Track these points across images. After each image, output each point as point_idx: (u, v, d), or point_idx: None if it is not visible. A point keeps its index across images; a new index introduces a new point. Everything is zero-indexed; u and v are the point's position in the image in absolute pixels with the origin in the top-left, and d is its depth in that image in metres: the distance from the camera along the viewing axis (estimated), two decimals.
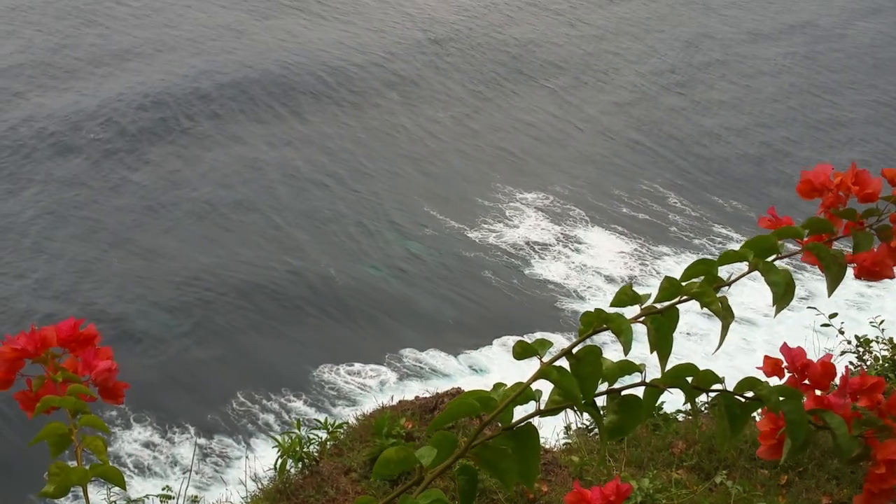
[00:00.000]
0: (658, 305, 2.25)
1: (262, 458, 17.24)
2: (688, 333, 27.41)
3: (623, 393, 2.25)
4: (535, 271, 32.29)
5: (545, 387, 2.25)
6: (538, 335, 28.86)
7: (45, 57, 43.95)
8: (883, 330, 12.26)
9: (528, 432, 2.20)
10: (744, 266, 2.28)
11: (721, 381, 2.29)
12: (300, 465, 10.30)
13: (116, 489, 10.65)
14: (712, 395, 2.27)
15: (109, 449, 21.68)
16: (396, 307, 29.93)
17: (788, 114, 44.76)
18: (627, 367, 2.23)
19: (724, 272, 2.32)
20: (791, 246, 2.34)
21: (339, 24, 50.57)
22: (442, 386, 22.77)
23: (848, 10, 56.30)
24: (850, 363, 12.30)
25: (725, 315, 2.24)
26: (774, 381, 2.28)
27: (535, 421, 2.21)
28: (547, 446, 10.92)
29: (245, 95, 41.82)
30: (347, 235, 33.24)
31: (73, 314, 2.26)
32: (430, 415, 11.07)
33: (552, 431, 11.52)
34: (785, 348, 2.30)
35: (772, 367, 2.30)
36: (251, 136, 39.13)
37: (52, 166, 35.84)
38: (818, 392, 2.23)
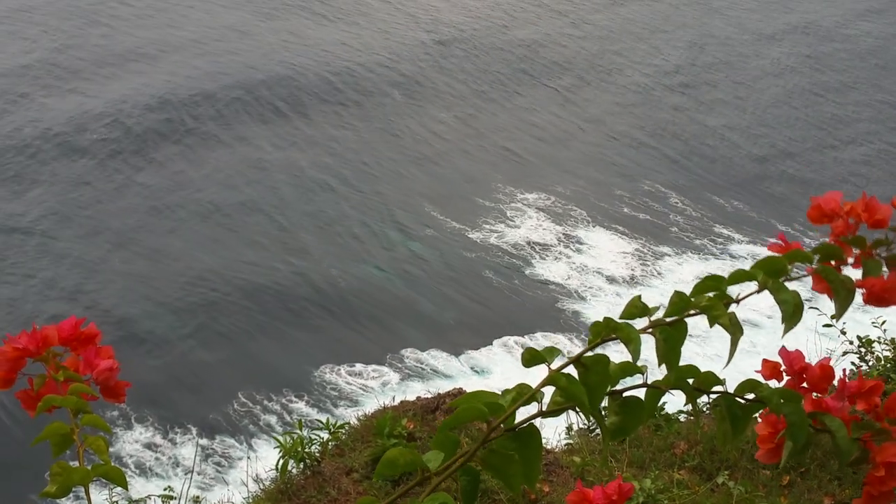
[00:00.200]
0: (668, 319, 2.27)
1: (264, 459, 17.25)
2: (689, 335, 27.34)
3: (625, 394, 2.27)
4: (537, 272, 32.29)
5: (547, 387, 2.26)
6: (539, 335, 28.88)
7: (50, 58, 44.01)
8: (885, 330, 12.24)
9: (530, 433, 2.21)
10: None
11: (722, 382, 2.31)
12: (302, 465, 10.31)
13: (118, 489, 10.65)
14: (713, 396, 2.29)
15: (111, 449, 21.69)
16: (398, 307, 29.93)
17: (791, 114, 44.74)
18: (629, 369, 2.25)
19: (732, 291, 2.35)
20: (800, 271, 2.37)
21: (342, 25, 50.60)
22: (443, 386, 22.78)
23: (852, 10, 56.27)
24: (853, 363, 12.29)
25: (734, 331, 2.26)
26: (773, 384, 2.29)
27: (537, 421, 2.22)
28: (548, 447, 10.92)
29: (250, 96, 41.86)
30: (350, 236, 33.26)
31: (77, 314, 2.26)
32: (431, 415, 11.07)
33: (553, 432, 11.52)
34: (783, 351, 2.32)
35: (770, 370, 2.32)
36: (256, 136, 39.17)
37: (57, 167, 35.89)
38: (816, 395, 2.24)
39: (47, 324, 2.30)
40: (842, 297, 2.23)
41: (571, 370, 2.23)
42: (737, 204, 37.24)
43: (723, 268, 33.12)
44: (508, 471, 2.20)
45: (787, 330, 2.24)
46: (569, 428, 11.59)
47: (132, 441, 24.10)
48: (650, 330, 2.26)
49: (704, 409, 9.42)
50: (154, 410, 24.92)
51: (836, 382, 2.28)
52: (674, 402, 2.68)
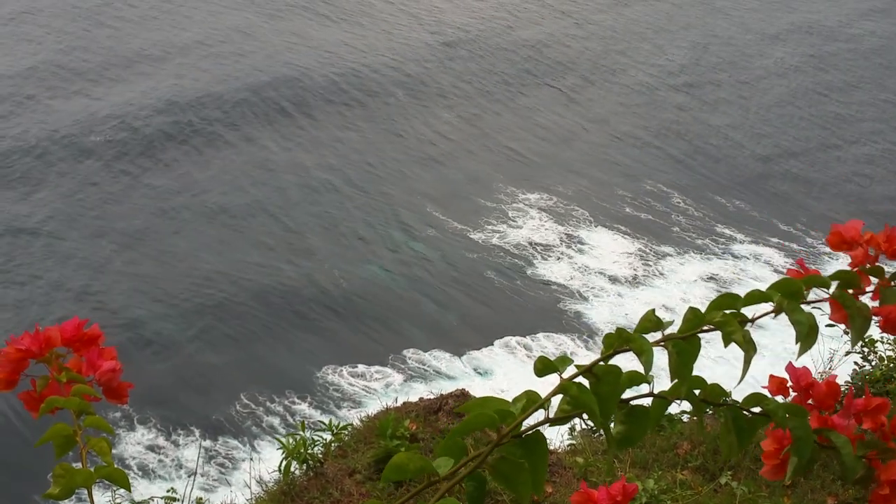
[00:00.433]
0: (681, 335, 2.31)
1: (268, 461, 17.25)
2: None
3: (631, 403, 2.28)
4: (539, 272, 32.27)
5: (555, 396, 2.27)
6: (541, 336, 28.88)
7: (56, 59, 44.07)
8: None
9: (536, 440, 2.23)
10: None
11: (728, 394, 2.32)
12: (305, 466, 10.30)
13: (121, 491, 10.66)
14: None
15: (114, 451, 21.70)
16: (400, 308, 29.93)
17: (795, 113, 44.70)
18: (636, 379, 2.27)
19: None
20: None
21: (346, 26, 50.63)
22: (446, 387, 22.78)
23: (855, 10, 56.22)
24: (856, 363, 12.28)
25: (748, 348, 2.27)
26: (779, 400, 2.31)
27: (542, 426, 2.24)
28: (551, 447, 10.92)
29: (256, 97, 41.90)
30: (353, 236, 33.27)
31: (82, 315, 2.27)
32: (434, 416, 11.07)
33: (556, 433, 11.52)
34: (790, 367, 2.33)
35: (777, 386, 2.33)
36: (261, 137, 39.21)
37: (63, 168, 35.94)
38: (822, 412, 2.26)
39: (52, 324, 2.30)
40: (858, 324, 2.27)
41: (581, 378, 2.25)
42: (739, 204, 37.20)
43: (725, 268, 33.09)
44: (518, 479, 2.21)
45: (801, 352, 2.26)
46: (571, 429, 11.59)
47: (135, 442, 24.10)
48: (663, 343, 2.28)
49: (708, 409, 9.40)
50: (157, 412, 24.92)
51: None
52: (676, 402, 2.68)
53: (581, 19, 53.62)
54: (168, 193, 34.96)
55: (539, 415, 2.25)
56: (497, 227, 34.46)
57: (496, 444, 2.19)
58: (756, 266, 33.11)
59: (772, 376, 2.35)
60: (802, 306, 2.28)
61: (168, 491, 10.83)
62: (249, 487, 11.67)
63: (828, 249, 31.99)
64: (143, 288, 29.77)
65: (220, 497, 17.28)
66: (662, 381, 2.25)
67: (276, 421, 25.09)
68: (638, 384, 2.27)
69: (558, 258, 33.10)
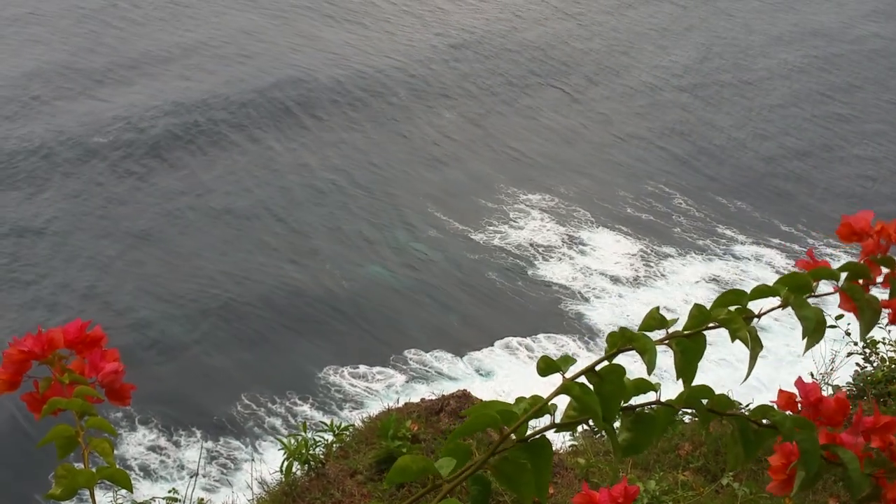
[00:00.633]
0: (686, 332, 2.27)
1: (269, 461, 17.25)
2: None
3: (637, 410, 2.27)
4: (540, 273, 32.28)
5: (560, 400, 2.26)
6: (542, 337, 28.88)
7: (62, 60, 44.10)
8: (889, 332, 12.23)
9: (542, 445, 2.23)
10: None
11: (736, 405, 2.30)
12: (306, 467, 10.31)
13: (123, 492, 10.66)
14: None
15: (115, 451, 21.64)
16: (402, 309, 29.94)
17: (798, 114, 44.69)
18: (643, 386, 2.25)
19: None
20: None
21: (350, 27, 50.65)
22: (448, 388, 22.78)
23: (859, 12, 56.20)
24: (857, 365, 12.28)
25: (754, 345, 2.25)
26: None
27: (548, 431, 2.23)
28: (553, 448, 10.91)
29: (262, 98, 41.93)
30: (355, 237, 33.29)
31: (85, 316, 2.27)
32: (435, 417, 11.07)
33: (558, 434, 11.50)
34: (799, 382, 2.31)
35: (786, 400, 2.31)
36: (266, 138, 39.24)
37: (69, 169, 35.97)
38: (831, 429, 2.24)
39: (56, 326, 2.30)
40: (867, 316, 2.24)
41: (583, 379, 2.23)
42: (741, 204, 37.20)
43: (726, 269, 33.09)
44: (520, 480, 2.21)
45: (808, 346, 2.24)
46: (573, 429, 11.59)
47: (137, 443, 24.12)
48: (667, 342, 2.26)
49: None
50: (158, 412, 24.94)
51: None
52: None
53: (585, 20, 53.63)
54: (173, 194, 35.00)
55: (545, 420, 2.24)
56: (499, 228, 34.47)
57: (498, 444, 2.19)
58: (758, 267, 33.11)
59: (781, 391, 2.33)
60: (811, 300, 2.26)
61: (170, 491, 10.83)
62: (251, 488, 11.68)
63: (830, 250, 32.04)
64: (147, 288, 29.80)
65: (222, 498, 17.29)
66: (669, 387, 2.24)
67: (277, 421, 25.09)
68: (645, 392, 2.25)
69: (560, 259, 33.10)
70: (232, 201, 34.75)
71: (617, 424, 2.27)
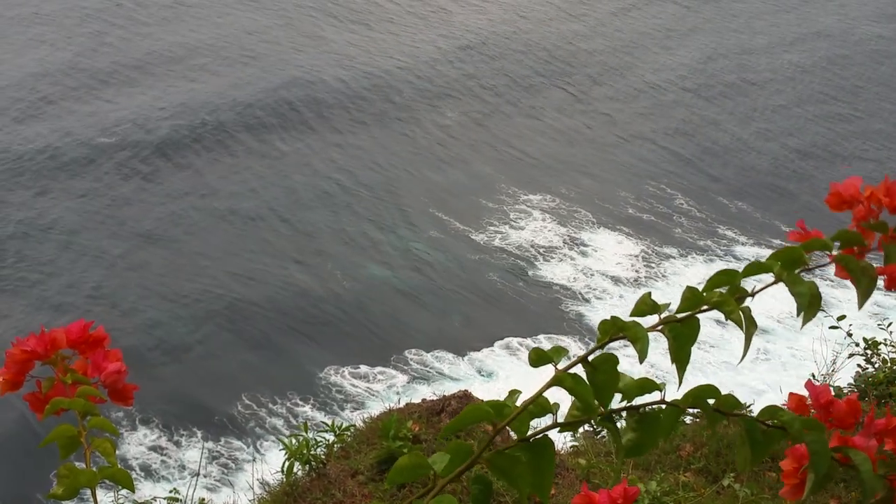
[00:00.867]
0: (679, 315, 2.21)
1: (270, 462, 17.26)
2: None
3: (641, 410, 2.22)
4: (541, 274, 32.27)
5: (564, 400, 2.23)
6: (543, 338, 28.86)
7: (68, 61, 44.13)
8: (891, 332, 12.22)
9: (544, 445, 2.19)
10: (768, 278, 2.24)
11: (743, 406, 2.24)
12: (307, 467, 10.31)
13: (125, 491, 10.67)
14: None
15: (117, 451, 21.64)
16: (403, 309, 29.94)
17: (801, 115, 44.67)
18: (647, 386, 2.20)
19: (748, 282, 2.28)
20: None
21: (354, 27, 50.67)
22: (449, 388, 22.78)
23: (863, 15, 56.14)
24: (859, 366, 12.27)
25: (748, 325, 2.19)
26: None
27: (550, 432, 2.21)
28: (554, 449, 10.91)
29: (267, 99, 41.95)
30: (357, 237, 33.30)
31: (86, 316, 2.28)
32: (436, 417, 11.07)
33: (559, 434, 11.49)
34: (809, 385, 2.26)
35: (797, 403, 2.27)
36: (271, 139, 39.26)
37: (75, 169, 35.99)
38: (843, 432, 2.20)
39: (59, 326, 2.31)
40: (864, 285, 2.16)
41: (580, 370, 2.21)
42: (742, 205, 37.18)
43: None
44: (514, 472, 2.17)
45: (805, 321, 2.17)
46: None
47: (138, 443, 24.13)
48: (660, 328, 2.20)
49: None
50: (160, 412, 24.95)
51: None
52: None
53: (589, 21, 53.63)
54: (178, 194, 35.03)
55: (547, 419, 2.22)
56: (500, 229, 34.48)
57: (492, 437, 2.16)
58: None
59: (791, 394, 2.29)
60: (804, 274, 2.20)
61: (171, 491, 10.83)
62: (252, 488, 11.69)
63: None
64: (152, 287, 29.83)
65: (223, 498, 17.30)
66: (671, 389, 2.23)
67: (278, 422, 25.10)
68: (650, 392, 2.20)
69: (561, 260, 33.10)
70: (237, 202, 34.77)
71: (621, 425, 2.24)
